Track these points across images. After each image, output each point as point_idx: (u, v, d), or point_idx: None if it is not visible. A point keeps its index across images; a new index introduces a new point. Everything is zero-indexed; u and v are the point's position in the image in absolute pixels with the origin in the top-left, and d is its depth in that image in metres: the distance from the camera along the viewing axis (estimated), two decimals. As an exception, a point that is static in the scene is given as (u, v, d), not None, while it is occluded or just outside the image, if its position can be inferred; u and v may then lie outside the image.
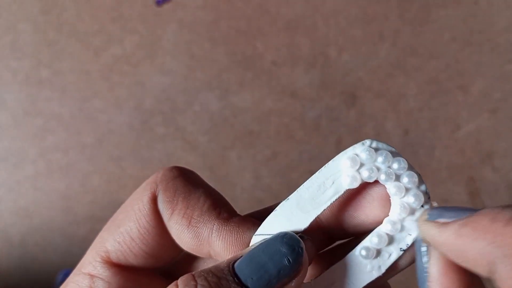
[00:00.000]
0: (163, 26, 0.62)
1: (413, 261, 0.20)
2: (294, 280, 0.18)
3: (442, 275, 0.18)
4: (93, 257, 0.21)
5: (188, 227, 0.20)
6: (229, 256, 0.19)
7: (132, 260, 0.21)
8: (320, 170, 0.20)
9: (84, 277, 0.21)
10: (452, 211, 0.18)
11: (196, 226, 0.20)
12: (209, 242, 0.20)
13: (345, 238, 0.22)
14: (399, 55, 0.62)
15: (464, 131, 0.61)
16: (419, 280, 0.19)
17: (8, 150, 0.61)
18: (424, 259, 0.19)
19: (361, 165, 0.20)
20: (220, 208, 0.20)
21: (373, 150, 0.20)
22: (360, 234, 0.21)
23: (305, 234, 0.20)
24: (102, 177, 0.61)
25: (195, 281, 0.17)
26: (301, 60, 0.62)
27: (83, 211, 0.60)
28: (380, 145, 0.20)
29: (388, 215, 0.20)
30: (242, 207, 0.27)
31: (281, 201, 0.20)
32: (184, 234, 0.20)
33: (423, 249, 0.19)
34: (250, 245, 0.20)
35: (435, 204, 0.20)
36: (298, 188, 0.20)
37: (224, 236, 0.20)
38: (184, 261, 0.23)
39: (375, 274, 0.20)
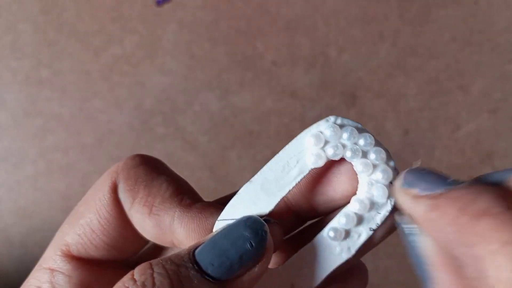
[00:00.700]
0: (163, 26, 0.62)
1: (385, 236, 0.19)
2: (258, 265, 0.17)
3: (438, 254, 0.17)
4: (53, 251, 0.20)
5: (149, 215, 0.19)
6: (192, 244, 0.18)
7: (93, 252, 0.20)
8: (283, 149, 0.19)
9: (44, 271, 0.20)
10: (424, 181, 0.17)
11: (157, 214, 0.19)
12: (171, 230, 0.19)
13: (316, 218, 0.21)
14: (399, 55, 0.62)
15: (464, 131, 0.61)
16: (417, 268, 0.18)
17: (8, 150, 0.61)
18: (411, 238, 0.17)
19: (326, 142, 0.19)
20: (183, 195, 0.20)
21: (337, 126, 0.19)
22: (330, 212, 0.20)
23: (271, 217, 0.19)
24: (102, 177, 0.61)
25: (152, 269, 0.17)
26: (301, 60, 0.62)
27: (83, 211, 0.60)
28: (345, 121, 0.20)
29: (356, 194, 0.19)
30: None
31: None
32: (146, 223, 0.19)
33: (408, 226, 0.18)
34: (213, 231, 0.19)
35: (418, 163, 0.18)
36: (262, 169, 0.19)
37: (186, 223, 0.19)
38: (151, 253, 0.22)
39: (344, 256, 0.19)
